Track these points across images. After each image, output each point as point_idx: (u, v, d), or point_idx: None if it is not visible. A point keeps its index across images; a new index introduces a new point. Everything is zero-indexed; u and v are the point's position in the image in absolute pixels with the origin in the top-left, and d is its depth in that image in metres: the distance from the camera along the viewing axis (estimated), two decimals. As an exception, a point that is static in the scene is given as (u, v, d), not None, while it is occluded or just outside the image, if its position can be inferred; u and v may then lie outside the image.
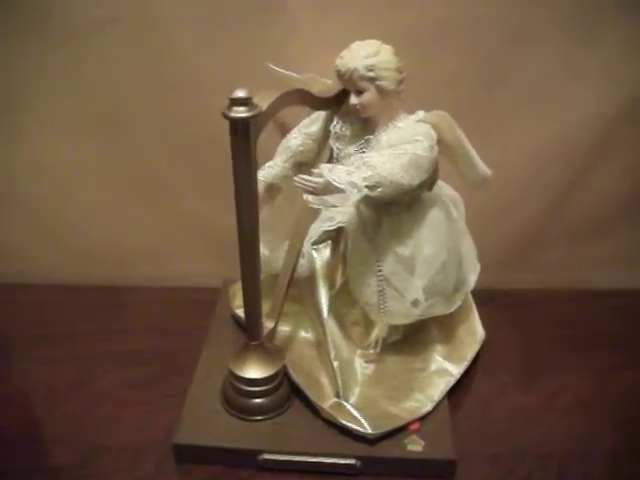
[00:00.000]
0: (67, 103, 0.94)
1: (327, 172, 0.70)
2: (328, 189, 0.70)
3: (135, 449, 0.79)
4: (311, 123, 0.83)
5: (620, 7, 0.84)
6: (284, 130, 0.86)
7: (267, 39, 0.87)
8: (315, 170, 0.71)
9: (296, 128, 0.84)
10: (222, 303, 0.98)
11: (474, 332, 0.92)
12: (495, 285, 0.99)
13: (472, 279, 0.89)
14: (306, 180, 0.71)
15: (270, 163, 0.83)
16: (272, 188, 0.83)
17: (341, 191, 0.70)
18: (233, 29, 0.87)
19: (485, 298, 0.95)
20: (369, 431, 0.76)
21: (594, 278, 1.03)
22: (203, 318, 0.96)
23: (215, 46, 0.89)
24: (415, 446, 0.76)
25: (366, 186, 0.70)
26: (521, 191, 0.99)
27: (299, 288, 0.85)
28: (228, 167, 0.66)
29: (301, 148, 0.83)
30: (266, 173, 0.83)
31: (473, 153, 0.77)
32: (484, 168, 0.78)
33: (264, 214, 0.86)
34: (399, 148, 0.73)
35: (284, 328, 0.89)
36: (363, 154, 0.75)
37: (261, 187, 0.81)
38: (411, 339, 0.88)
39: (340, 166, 0.73)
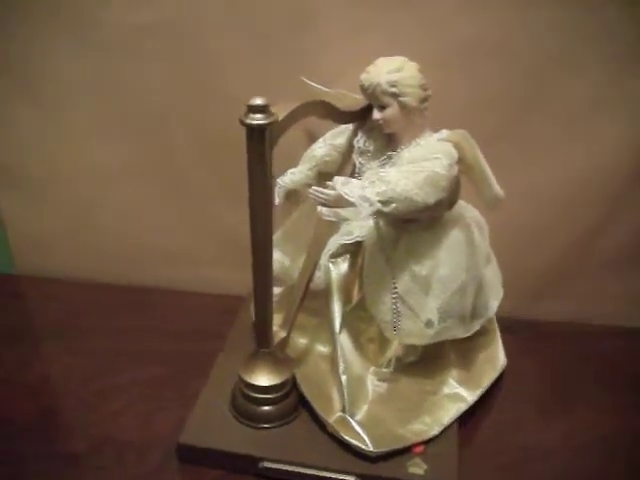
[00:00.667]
0: (104, 107, 0.98)
1: (340, 185, 0.70)
2: (340, 202, 0.70)
3: (142, 445, 0.80)
4: (337, 135, 0.83)
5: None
6: (310, 139, 0.86)
7: (299, 53, 0.88)
8: (329, 182, 0.71)
9: (322, 138, 0.84)
10: (244, 311, 0.98)
11: (495, 359, 0.89)
12: (519, 314, 0.97)
13: (494, 305, 0.87)
14: (319, 192, 0.71)
15: (292, 169, 0.84)
16: (292, 195, 0.84)
17: (352, 205, 0.69)
18: (268, 42, 0.89)
19: (508, 326, 0.93)
20: (371, 449, 0.75)
21: (623, 314, 0.99)
22: (225, 324, 0.97)
23: (249, 57, 0.90)
24: (417, 469, 0.74)
25: (379, 201, 0.70)
26: (551, 220, 0.96)
27: (317, 301, 0.85)
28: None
29: (326, 158, 0.83)
30: (287, 179, 0.83)
31: (489, 173, 0.75)
32: (498, 189, 0.76)
33: (287, 224, 0.87)
34: (417, 165, 0.72)
35: (301, 340, 0.89)
36: (380, 169, 0.75)
37: (281, 193, 0.82)
38: (428, 361, 0.86)
39: (355, 180, 0.73)
